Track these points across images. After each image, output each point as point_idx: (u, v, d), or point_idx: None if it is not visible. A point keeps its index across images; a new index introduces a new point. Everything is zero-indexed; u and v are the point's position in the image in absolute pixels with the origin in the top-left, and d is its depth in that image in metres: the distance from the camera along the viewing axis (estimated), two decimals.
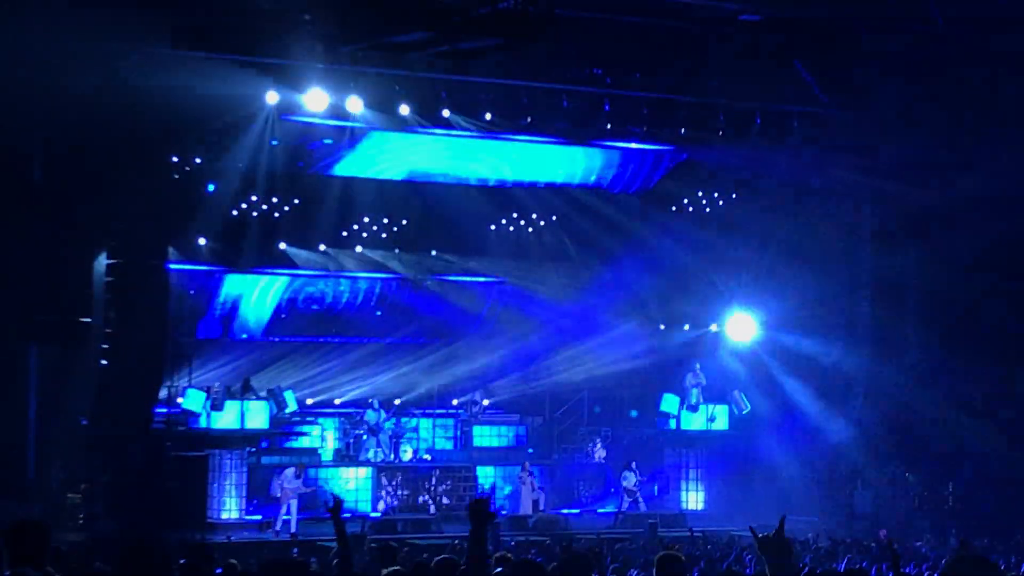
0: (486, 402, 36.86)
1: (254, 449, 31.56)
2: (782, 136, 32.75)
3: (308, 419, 34.47)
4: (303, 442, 33.83)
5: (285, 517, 29.85)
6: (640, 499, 33.60)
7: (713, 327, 37.60)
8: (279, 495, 30.08)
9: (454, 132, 31.82)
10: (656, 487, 35.61)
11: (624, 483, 33.66)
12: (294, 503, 29.90)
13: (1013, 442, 32.80)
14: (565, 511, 33.72)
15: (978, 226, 31.95)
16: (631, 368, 37.38)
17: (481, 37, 25.35)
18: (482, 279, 39.07)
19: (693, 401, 34.65)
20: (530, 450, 36.11)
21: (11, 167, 27.85)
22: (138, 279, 29.04)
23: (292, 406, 31.82)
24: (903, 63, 31.43)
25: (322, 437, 34.54)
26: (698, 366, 35.08)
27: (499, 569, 9.42)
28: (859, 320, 36.52)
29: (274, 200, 34.57)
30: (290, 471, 30.31)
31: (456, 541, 24.71)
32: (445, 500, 32.93)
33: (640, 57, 30.41)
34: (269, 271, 36.65)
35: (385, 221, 36.58)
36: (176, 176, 30.89)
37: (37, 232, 27.97)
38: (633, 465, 33.96)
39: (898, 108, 32.44)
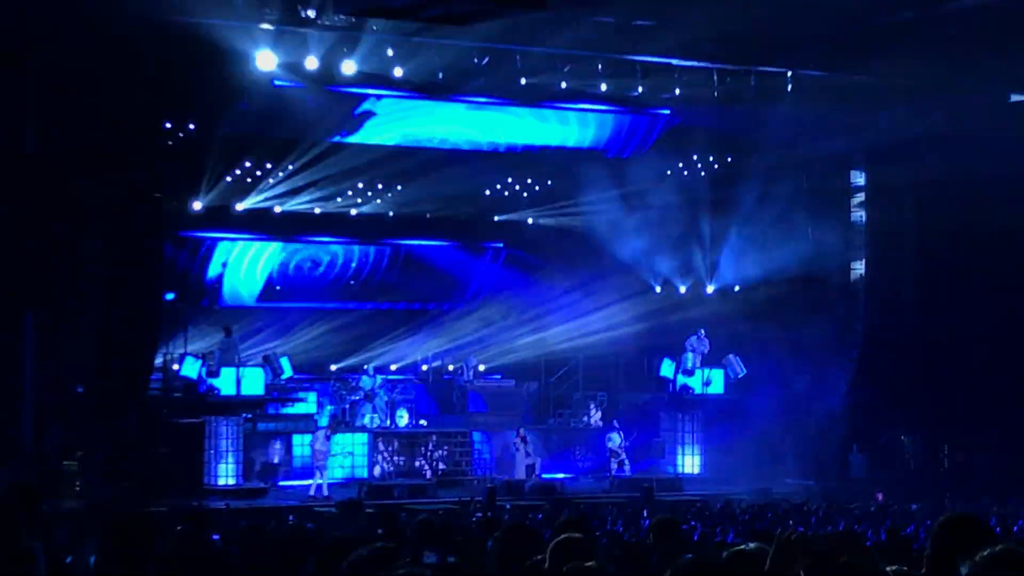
0: (482, 367, 36.84)
1: (250, 415, 31.56)
2: (776, 98, 32.67)
3: (304, 385, 34.46)
4: (299, 408, 33.83)
5: (319, 481, 30.06)
6: (625, 461, 33.49)
7: (710, 288, 37.72)
8: (312, 460, 30.45)
9: (448, 97, 31.76)
10: (653, 447, 35.59)
11: (609, 444, 33.59)
12: (326, 466, 30.14)
13: (1008, 405, 32.86)
14: (560, 476, 33.76)
15: (974, 187, 31.92)
16: (626, 332, 37.37)
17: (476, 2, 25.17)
18: (477, 244, 39.06)
19: (689, 365, 34.60)
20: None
21: (4, 136, 27.82)
22: (133, 245, 29.00)
23: (287, 372, 31.80)
24: (900, 25, 31.32)
25: (318, 403, 34.51)
26: (703, 331, 34.91)
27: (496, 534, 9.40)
28: (855, 282, 36.60)
29: (268, 166, 34.51)
30: (321, 434, 30.51)
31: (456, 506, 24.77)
32: (441, 465, 32.97)
33: (635, 21, 30.30)
34: (263, 237, 36.60)
35: (380, 186, 36.52)
36: (170, 143, 30.82)
37: (31, 200, 27.95)
38: (616, 425, 33.93)
39: (894, 71, 32.35)
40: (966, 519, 6.26)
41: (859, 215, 36.58)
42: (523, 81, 31.16)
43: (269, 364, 31.20)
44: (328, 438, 30.51)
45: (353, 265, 38.36)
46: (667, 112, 34.36)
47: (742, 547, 6.75)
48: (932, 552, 6.19)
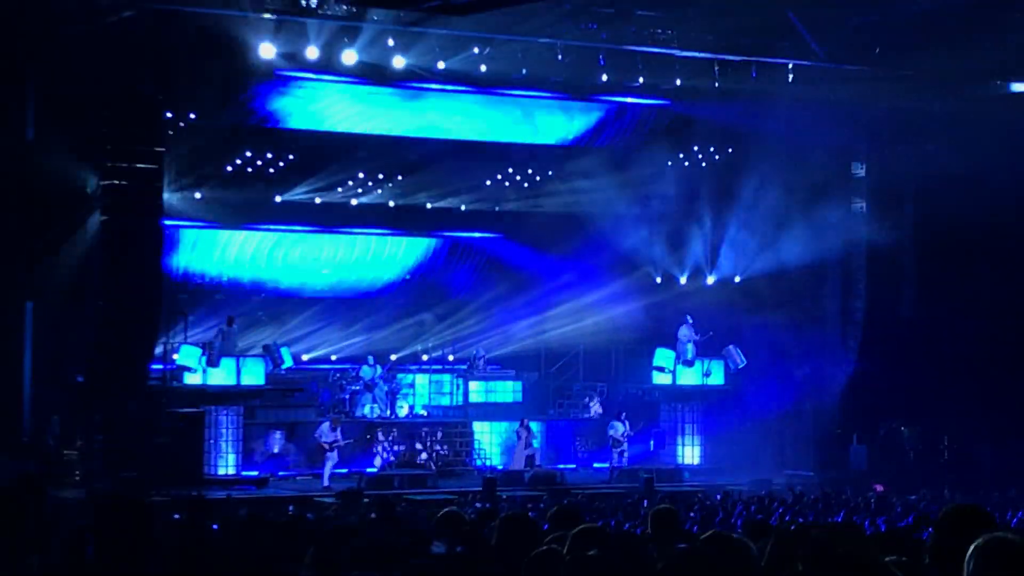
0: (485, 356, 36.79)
1: (250, 405, 31.55)
2: (777, 89, 32.64)
3: (304, 375, 34.44)
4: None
5: (326, 471, 30.12)
6: (625, 450, 33.37)
7: (710, 279, 37.71)
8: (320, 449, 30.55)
9: (449, 87, 31.74)
10: (652, 443, 35.51)
11: (611, 432, 33.44)
12: (333, 456, 30.18)
13: (1008, 396, 32.84)
14: (561, 466, 33.73)
15: (975, 177, 31.86)
16: (626, 323, 37.33)
17: None
18: (477, 235, 39.03)
19: (689, 356, 34.56)
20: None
21: (5, 125, 27.83)
22: (133, 235, 28.97)
23: (288, 362, 31.79)
24: (896, 14, 31.29)
25: (319, 393, 34.46)
26: (690, 319, 34.87)
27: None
28: (855, 273, 36.57)
29: (268, 155, 34.45)
30: (325, 425, 30.51)
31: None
32: (441, 455, 32.95)
33: (634, 11, 30.29)
34: (264, 226, 36.55)
35: (380, 176, 36.46)
36: (171, 132, 30.79)
37: (31, 191, 27.95)
38: (623, 416, 33.87)
39: (893, 60, 32.31)
40: (971, 510, 6.25)
41: (859, 205, 36.52)
42: (523, 71, 31.14)
43: (269, 354, 31.19)
44: (334, 429, 30.50)
45: (352, 255, 38.28)
46: (667, 103, 34.32)
47: (728, 534, 6.74)
48: (936, 543, 6.18)
